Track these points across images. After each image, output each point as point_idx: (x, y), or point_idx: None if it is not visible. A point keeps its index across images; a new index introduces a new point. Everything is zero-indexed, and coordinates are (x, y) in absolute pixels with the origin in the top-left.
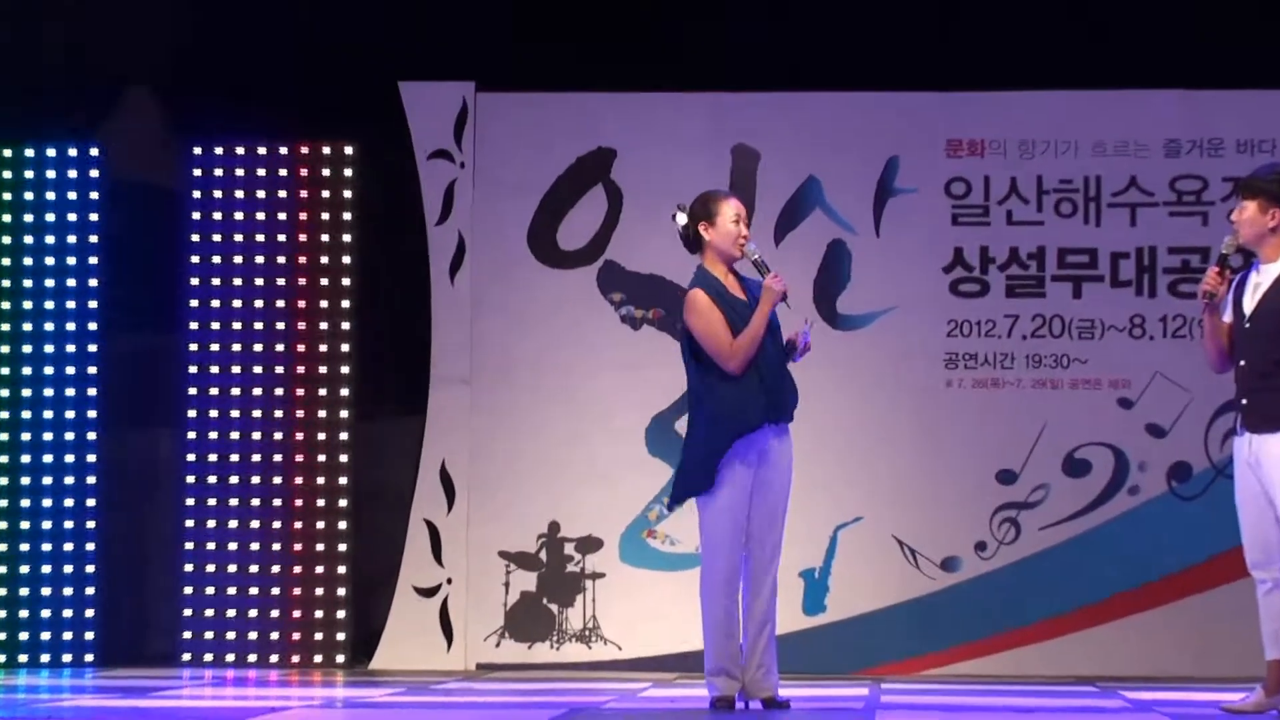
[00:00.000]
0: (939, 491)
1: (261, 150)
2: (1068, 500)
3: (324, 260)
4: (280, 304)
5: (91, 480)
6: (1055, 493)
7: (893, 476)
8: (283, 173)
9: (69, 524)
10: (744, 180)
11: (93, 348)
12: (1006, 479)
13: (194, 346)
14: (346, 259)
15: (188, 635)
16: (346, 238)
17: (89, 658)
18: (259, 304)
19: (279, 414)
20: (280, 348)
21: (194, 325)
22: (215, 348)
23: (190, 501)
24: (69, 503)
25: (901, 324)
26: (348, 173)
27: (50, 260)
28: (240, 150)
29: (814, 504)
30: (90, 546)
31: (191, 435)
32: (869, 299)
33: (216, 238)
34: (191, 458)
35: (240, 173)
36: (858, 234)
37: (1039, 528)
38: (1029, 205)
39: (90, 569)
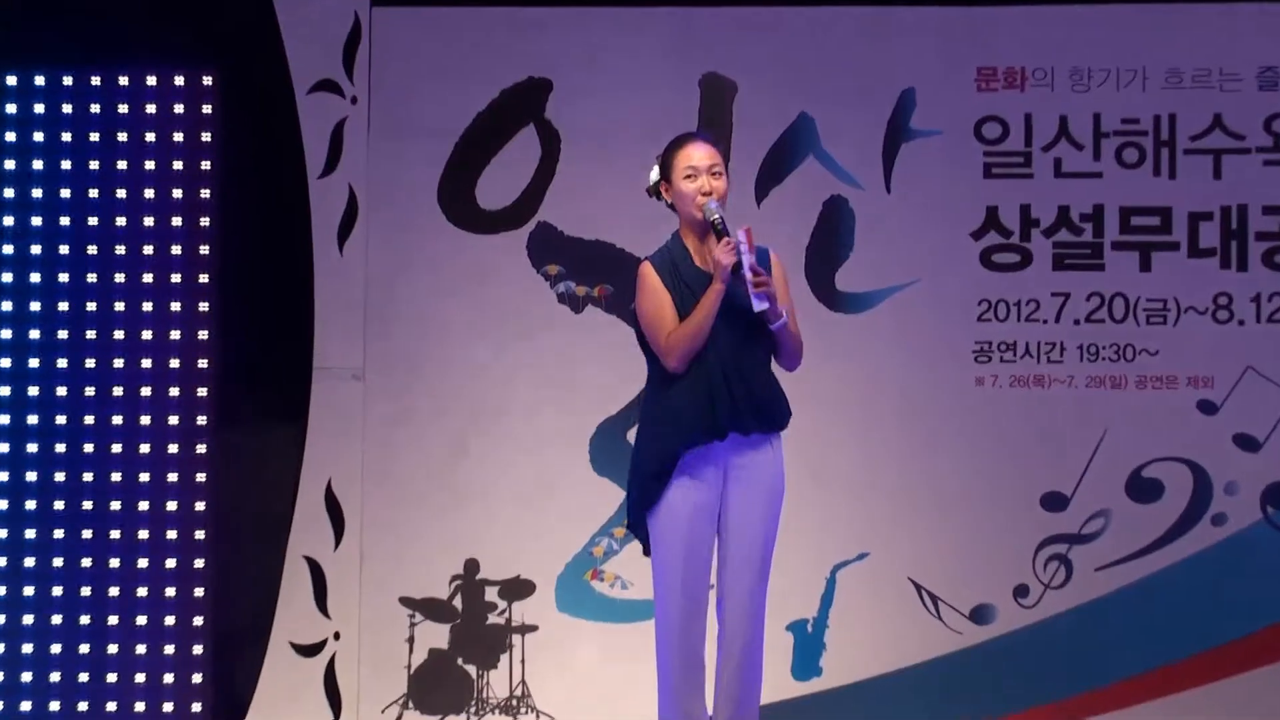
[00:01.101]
0: (967, 520)
1: (95, 80)
2: (1133, 532)
3: (175, 223)
4: (119, 279)
5: None
6: (1117, 522)
7: (906, 501)
8: (122, 110)
9: None
10: (716, 120)
11: None
12: (1054, 504)
13: (4, 334)
14: (204, 221)
15: None
16: (204, 193)
17: None
18: (91, 278)
19: (116, 420)
20: (118, 335)
21: (4, 306)
22: (35, 335)
23: None
24: None
25: (919, 305)
26: (205, 110)
27: None
28: (67, 80)
29: (805, 536)
30: None
31: None
32: (877, 273)
33: (36, 193)
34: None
35: (67, 109)
36: (863, 189)
37: (1096, 567)
38: (1083, 152)
39: None
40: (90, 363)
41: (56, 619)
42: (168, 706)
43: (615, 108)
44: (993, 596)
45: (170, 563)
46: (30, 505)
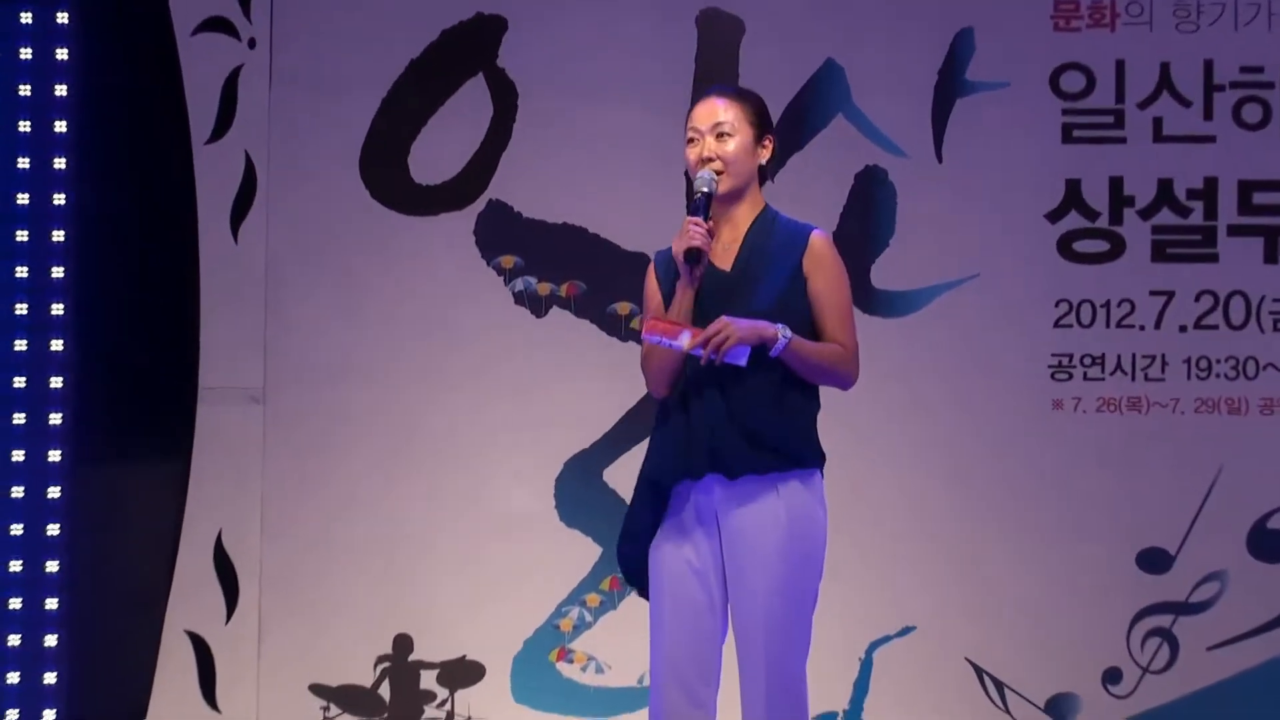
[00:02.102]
0: (1041, 585)
1: None
2: (1257, 600)
3: (21, 201)
4: None
5: None
6: (1236, 587)
7: (963, 561)
8: None
9: None
10: (717, 69)
11: None
12: (1154, 564)
13: None
14: (58, 198)
15: None
16: (58, 164)
17: None
18: None
19: None
20: None
21: None
22: None
23: None
24: None
25: (978, 307)
26: (60, 55)
27: None
28: None
29: (834, 606)
30: None
31: None
32: (924, 266)
33: None
34: None
35: None
36: (907, 158)
37: (1208, 646)
38: (1191, 110)
39: None
40: None
41: None
42: None
43: (587, 54)
44: (1075, 683)
45: (13, 639)
46: None
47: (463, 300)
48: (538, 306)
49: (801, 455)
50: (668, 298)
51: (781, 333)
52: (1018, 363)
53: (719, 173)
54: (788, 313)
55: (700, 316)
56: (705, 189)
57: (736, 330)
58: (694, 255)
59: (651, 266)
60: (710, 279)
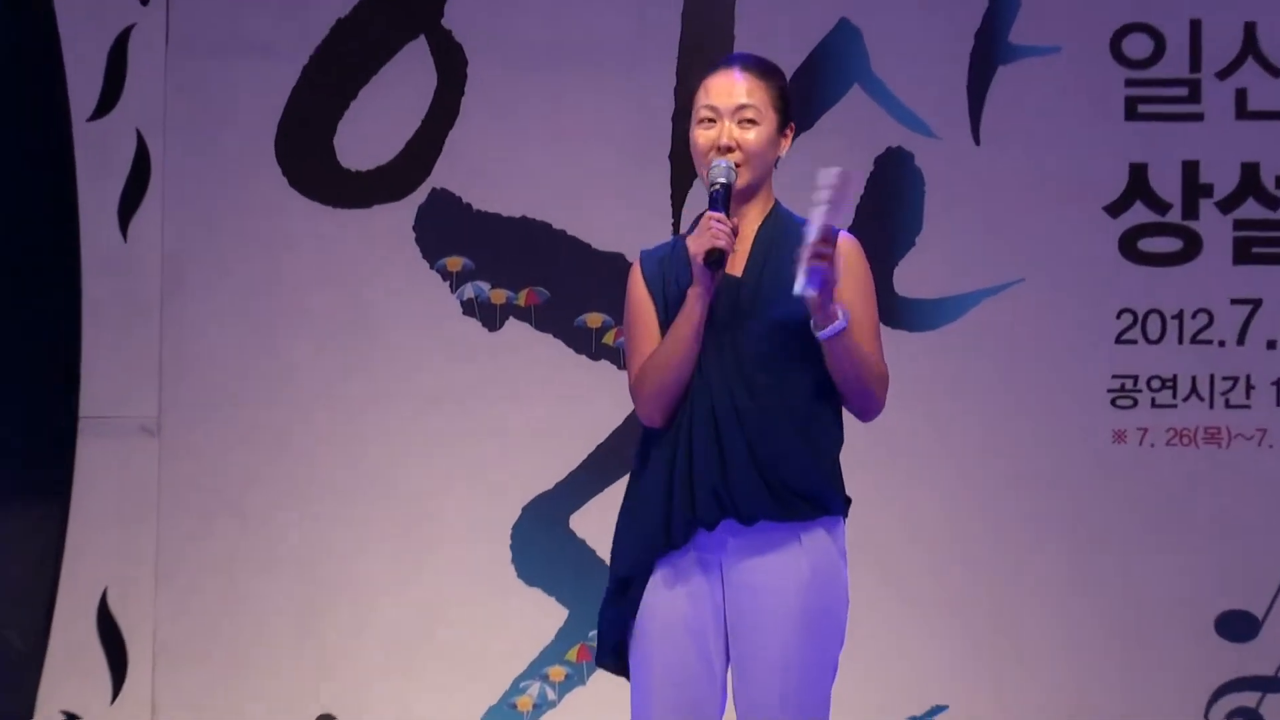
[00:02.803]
0: (1098, 658)
1: None
2: None
3: None
4: None
5: None
6: None
7: (1001, 629)
8: None
9: None
10: (707, 31)
11: None
12: (1237, 630)
13: None
14: None
15: None
16: None
17: None
18: None
19: None
20: None
21: None
22: None
23: None
24: None
25: (1024, 319)
26: None
27: None
28: None
29: (853, 680)
30: None
31: None
32: (958, 268)
33: None
34: None
35: None
36: (938, 139)
37: None
38: None
39: None
40: None
41: None
42: None
43: (551, 12)
44: None
45: None
46: None
47: (400, 311)
48: (491, 318)
49: (828, 499)
50: (667, 307)
51: (843, 312)
52: (1071, 387)
53: (737, 165)
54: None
55: (708, 329)
56: (723, 180)
57: (829, 266)
58: (717, 258)
59: (636, 269)
60: (720, 286)
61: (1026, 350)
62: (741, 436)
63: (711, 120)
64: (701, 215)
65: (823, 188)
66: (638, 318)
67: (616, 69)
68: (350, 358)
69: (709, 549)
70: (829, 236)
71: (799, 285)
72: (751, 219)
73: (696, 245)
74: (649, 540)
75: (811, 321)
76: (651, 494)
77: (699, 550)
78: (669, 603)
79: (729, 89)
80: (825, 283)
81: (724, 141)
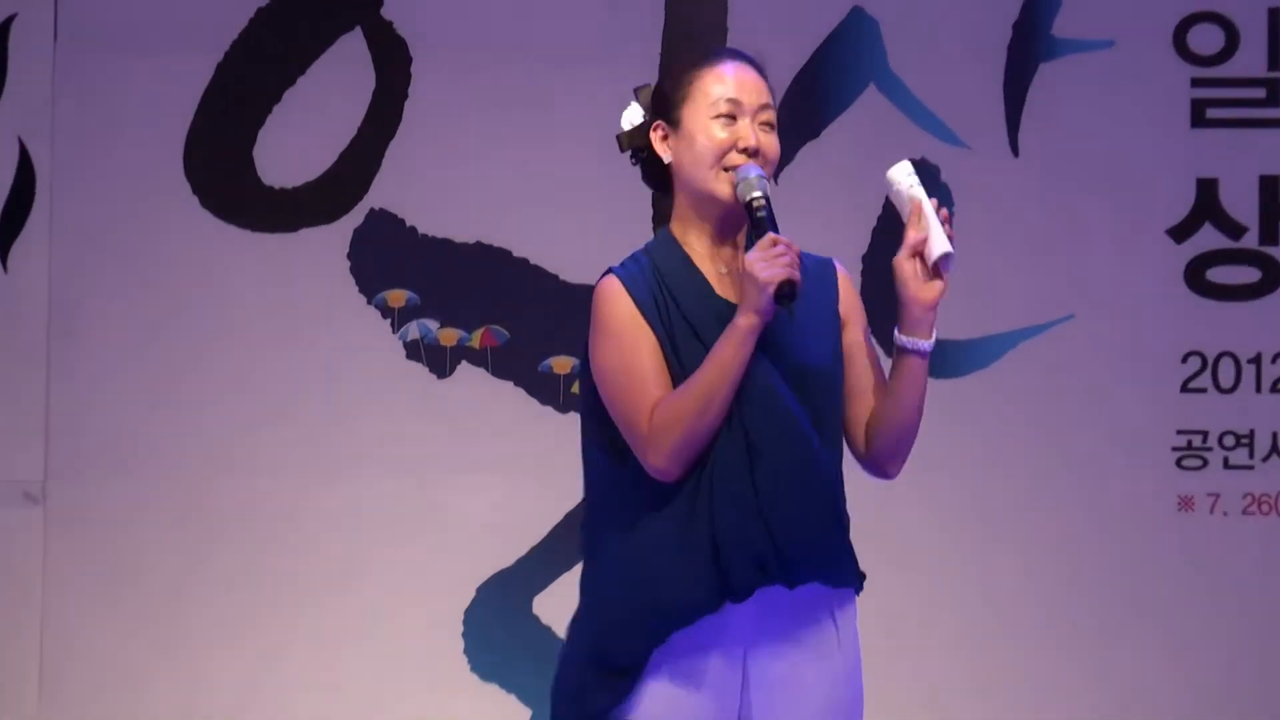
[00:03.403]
0: None
1: None
2: None
3: None
4: None
5: None
6: None
7: (1046, 713)
8: None
9: None
10: (694, 20)
11: None
12: None
13: None
14: None
15: None
16: None
17: None
18: None
19: None
20: None
21: None
22: None
23: None
24: None
25: (1073, 362)
26: None
27: None
28: None
29: None
30: None
31: None
32: (995, 304)
33: None
34: None
35: None
36: (969, 149)
37: None
38: None
39: None
40: None
41: None
42: None
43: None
44: None
45: None
46: None
47: (332, 355)
48: (440, 363)
49: (855, 569)
50: (674, 339)
51: (934, 339)
52: (1129, 444)
53: (767, 176)
54: (841, 374)
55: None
56: (761, 193)
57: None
58: (790, 291)
59: (618, 289)
60: (713, 316)
61: (1075, 401)
62: (787, 488)
63: (731, 117)
64: (753, 227)
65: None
66: (636, 350)
67: (590, 66)
68: (271, 412)
69: (731, 628)
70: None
71: (943, 246)
72: (739, 243)
73: (768, 274)
74: (657, 618)
75: (906, 333)
76: (658, 558)
77: (718, 630)
78: (676, 700)
79: (753, 85)
80: (944, 269)
81: (750, 143)
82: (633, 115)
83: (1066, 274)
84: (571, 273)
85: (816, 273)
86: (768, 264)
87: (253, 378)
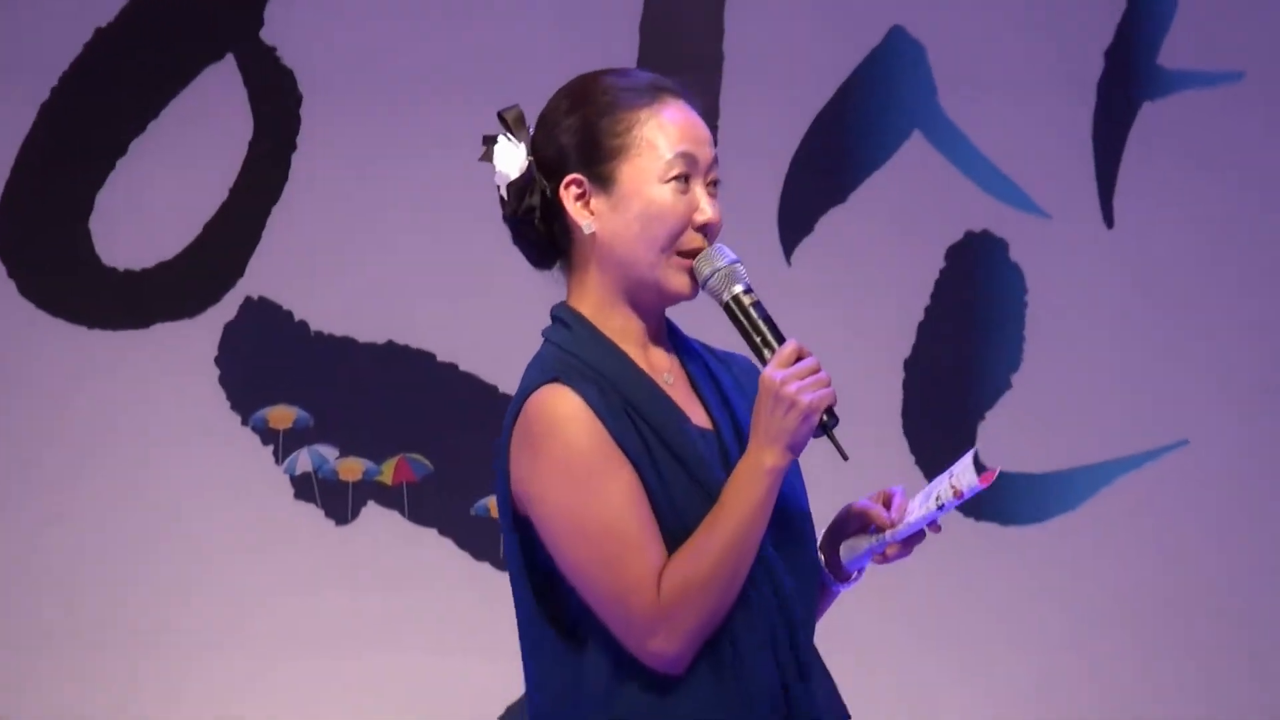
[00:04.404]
0: None
1: None
2: None
3: None
4: None
5: None
6: None
7: None
8: None
9: None
10: (679, 49)
11: None
12: None
13: None
14: None
15: None
16: None
17: None
18: None
19: None
20: None
21: None
22: None
23: None
24: None
25: (1189, 500)
26: None
27: None
28: None
29: None
30: None
31: None
32: (1089, 424)
33: None
34: None
35: None
36: (1047, 217)
37: None
38: None
39: None
40: None
41: None
42: None
43: (435, 18)
44: None
45: None
46: None
47: (195, 492)
48: (339, 504)
49: None
50: (660, 473)
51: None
52: (1259, 604)
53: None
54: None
55: (703, 502)
56: (745, 287)
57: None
58: (834, 419)
59: (577, 402)
60: (699, 447)
61: (1190, 550)
62: (812, 659)
63: (686, 178)
64: (744, 328)
65: (962, 494)
66: (620, 496)
67: (536, 103)
68: (110, 571)
69: None
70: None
71: (854, 563)
72: (664, 337)
73: (810, 397)
74: None
75: (831, 571)
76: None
77: None
78: None
79: (703, 132)
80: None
81: (710, 217)
82: (508, 156)
83: (1177, 386)
84: (514, 383)
85: (726, 365)
86: (804, 384)
87: (85, 523)
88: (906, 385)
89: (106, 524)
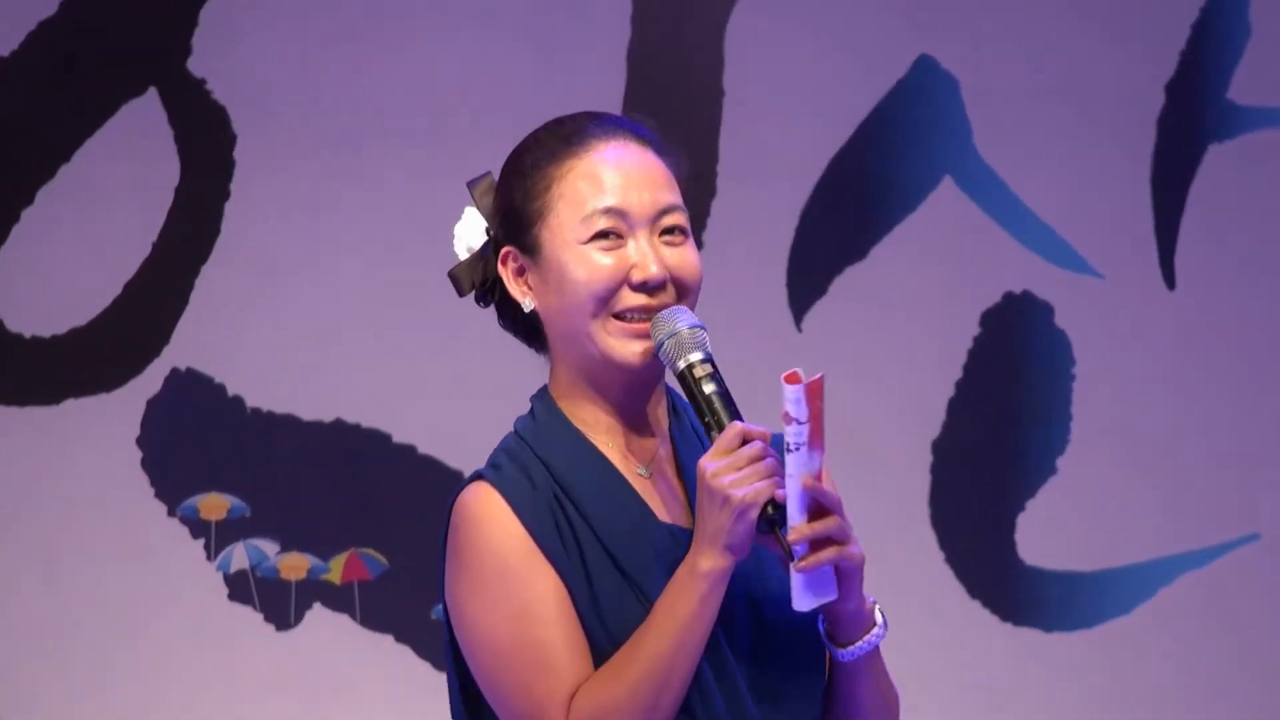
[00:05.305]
0: None
1: None
2: None
3: None
4: None
5: None
6: None
7: None
8: None
9: None
10: (675, 84)
11: None
12: None
13: None
14: None
15: None
16: None
17: None
18: None
19: None
20: None
21: None
22: None
23: None
24: None
25: (1261, 603)
26: None
27: None
28: None
29: None
30: None
31: None
32: (1148, 517)
33: None
34: None
35: None
36: (1100, 278)
37: None
38: None
39: None
40: None
41: None
42: None
43: (386, 47)
44: None
45: None
46: None
47: (113, 592)
48: (281, 609)
49: None
50: (590, 580)
51: (879, 612)
52: None
53: (689, 309)
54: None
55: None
56: (705, 354)
57: (853, 547)
58: (779, 516)
59: (498, 506)
60: (653, 548)
61: (1263, 658)
62: None
63: (618, 235)
64: (703, 411)
65: (792, 420)
66: (534, 605)
67: (503, 147)
68: (26, 670)
69: None
70: (828, 501)
71: (801, 599)
72: (656, 415)
73: (744, 491)
74: None
75: (829, 634)
76: None
77: None
78: None
79: (644, 175)
80: (847, 573)
81: (650, 273)
82: (469, 230)
83: (1247, 472)
84: (473, 462)
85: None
86: (739, 475)
87: (15, 630)
88: (935, 470)
89: (15, 629)
